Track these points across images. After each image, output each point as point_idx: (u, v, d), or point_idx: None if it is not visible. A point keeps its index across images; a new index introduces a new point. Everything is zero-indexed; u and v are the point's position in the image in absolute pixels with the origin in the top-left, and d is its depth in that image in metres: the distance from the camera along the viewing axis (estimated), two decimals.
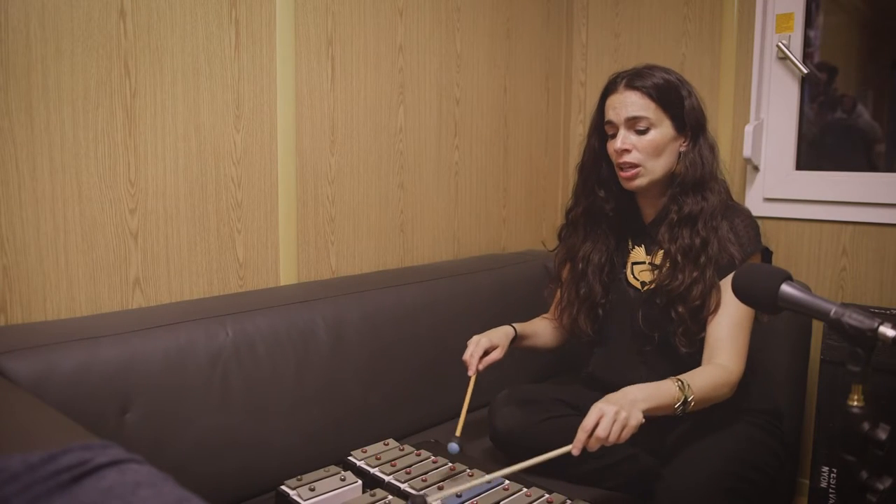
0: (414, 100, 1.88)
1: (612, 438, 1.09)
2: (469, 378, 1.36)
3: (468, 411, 1.33)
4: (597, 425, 1.09)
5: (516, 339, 1.46)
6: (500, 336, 1.43)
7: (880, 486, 0.82)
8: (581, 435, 1.10)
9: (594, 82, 2.37)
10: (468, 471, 1.25)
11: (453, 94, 2.00)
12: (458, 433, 1.29)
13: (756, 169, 2.03)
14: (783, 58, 1.97)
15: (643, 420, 1.13)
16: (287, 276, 1.62)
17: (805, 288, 0.99)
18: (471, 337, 1.41)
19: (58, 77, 1.23)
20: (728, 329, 1.30)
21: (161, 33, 1.36)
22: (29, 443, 0.79)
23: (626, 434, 1.10)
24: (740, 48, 2.03)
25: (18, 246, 1.22)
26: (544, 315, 1.63)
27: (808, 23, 1.96)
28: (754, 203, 2.04)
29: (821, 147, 2.05)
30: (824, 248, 1.95)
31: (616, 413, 1.10)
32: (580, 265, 1.48)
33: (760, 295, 0.96)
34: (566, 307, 1.52)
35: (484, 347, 1.38)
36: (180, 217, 1.43)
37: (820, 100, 2.04)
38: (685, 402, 1.19)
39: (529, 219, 2.32)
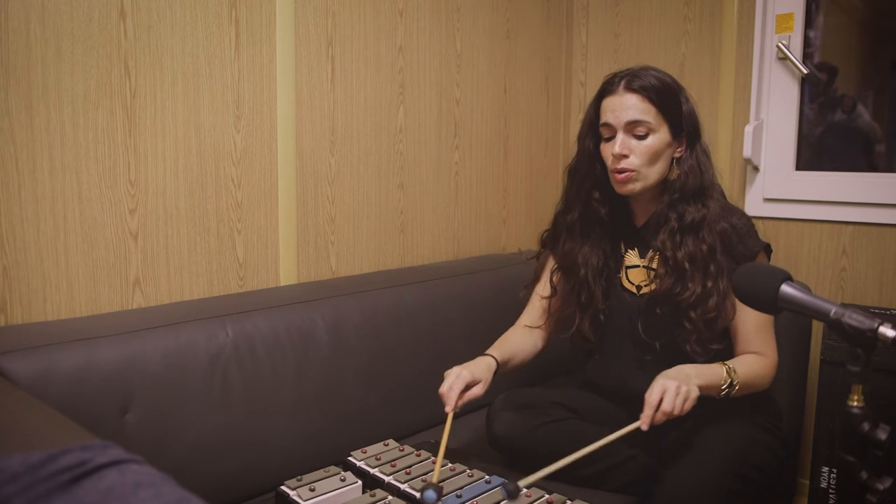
0: (414, 100, 1.88)
1: (677, 411, 1.16)
2: (446, 415, 1.25)
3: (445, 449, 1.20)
4: (661, 400, 1.16)
5: (498, 369, 1.36)
6: (482, 370, 1.31)
7: (880, 487, 0.82)
8: (648, 410, 1.16)
9: (594, 82, 2.36)
10: (468, 471, 1.25)
11: (453, 94, 2.00)
12: (434, 479, 1.16)
13: (756, 169, 2.03)
14: (783, 58, 1.97)
15: (699, 394, 1.19)
16: (287, 276, 1.62)
17: (805, 288, 0.99)
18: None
19: (58, 77, 1.23)
20: (755, 324, 1.34)
21: (161, 33, 1.36)
22: (29, 443, 0.79)
23: (688, 406, 1.17)
24: (740, 48, 2.03)
25: (18, 246, 1.22)
26: (519, 323, 1.55)
27: (808, 23, 1.96)
28: (754, 203, 2.04)
29: (821, 147, 2.05)
30: (824, 249, 1.95)
31: (678, 387, 1.16)
32: (581, 271, 1.44)
33: (761, 295, 0.96)
34: (566, 318, 1.48)
35: (465, 381, 1.26)
36: (180, 217, 1.43)
37: (820, 100, 2.04)
38: (731, 385, 1.25)
39: (529, 219, 2.32)
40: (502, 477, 1.21)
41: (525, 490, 1.18)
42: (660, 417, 1.16)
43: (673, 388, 1.16)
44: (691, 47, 2.14)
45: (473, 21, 2.03)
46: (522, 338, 1.51)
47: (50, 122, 1.23)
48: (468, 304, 1.77)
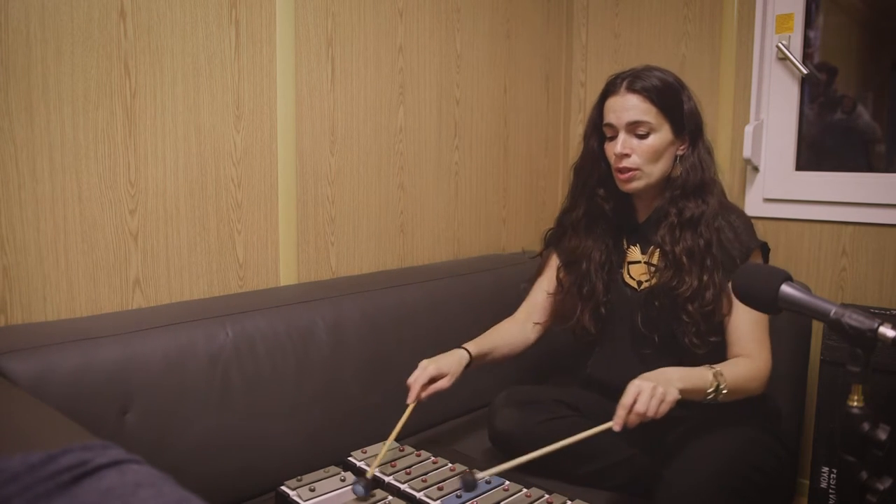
0: (414, 100, 1.88)
1: (651, 413, 1.12)
2: (406, 406, 1.28)
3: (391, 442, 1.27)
4: (635, 402, 1.12)
5: (472, 363, 1.38)
6: (450, 363, 1.34)
7: (880, 487, 0.82)
8: (621, 411, 1.12)
9: (594, 82, 2.37)
10: (468, 471, 1.25)
11: (453, 94, 2.00)
12: (370, 473, 1.20)
13: (756, 169, 2.03)
14: (783, 58, 1.97)
15: (679, 397, 1.15)
16: (287, 276, 1.62)
17: (805, 288, 0.99)
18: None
19: (58, 77, 1.23)
20: (749, 325, 1.33)
21: (161, 34, 1.36)
22: (29, 443, 0.79)
23: (664, 409, 1.13)
24: (740, 48, 2.03)
25: (18, 246, 1.22)
26: (516, 316, 1.57)
27: (808, 23, 1.96)
28: (754, 203, 2.04)
29: (821, 147, 2.05)
30: (824, 249, 1.95)
31: (653, 388, 1.13)
32: (584, 264, 1.47)
33: (760, 295, 0.96)
34: (568, 310, 1.51)
35: (430, 374, 1.29)
36: (180, 217, 1.42)
37: (820, 100, 2.04)
38: (717, 389, 1.22)
39: (529, 219, 2.32)
40: (503, 477, 1.21)
41: (506, 482, 1.19)
42: (633, 419, 1.12)
43: (648, 390, 1.12)
44: (691, 47, 2.14)
45: (473, 21, 2.03)
46: (512, 330, 1.53)
47: (50, 122, 1.23)
48: (468, 304, 1.77)
